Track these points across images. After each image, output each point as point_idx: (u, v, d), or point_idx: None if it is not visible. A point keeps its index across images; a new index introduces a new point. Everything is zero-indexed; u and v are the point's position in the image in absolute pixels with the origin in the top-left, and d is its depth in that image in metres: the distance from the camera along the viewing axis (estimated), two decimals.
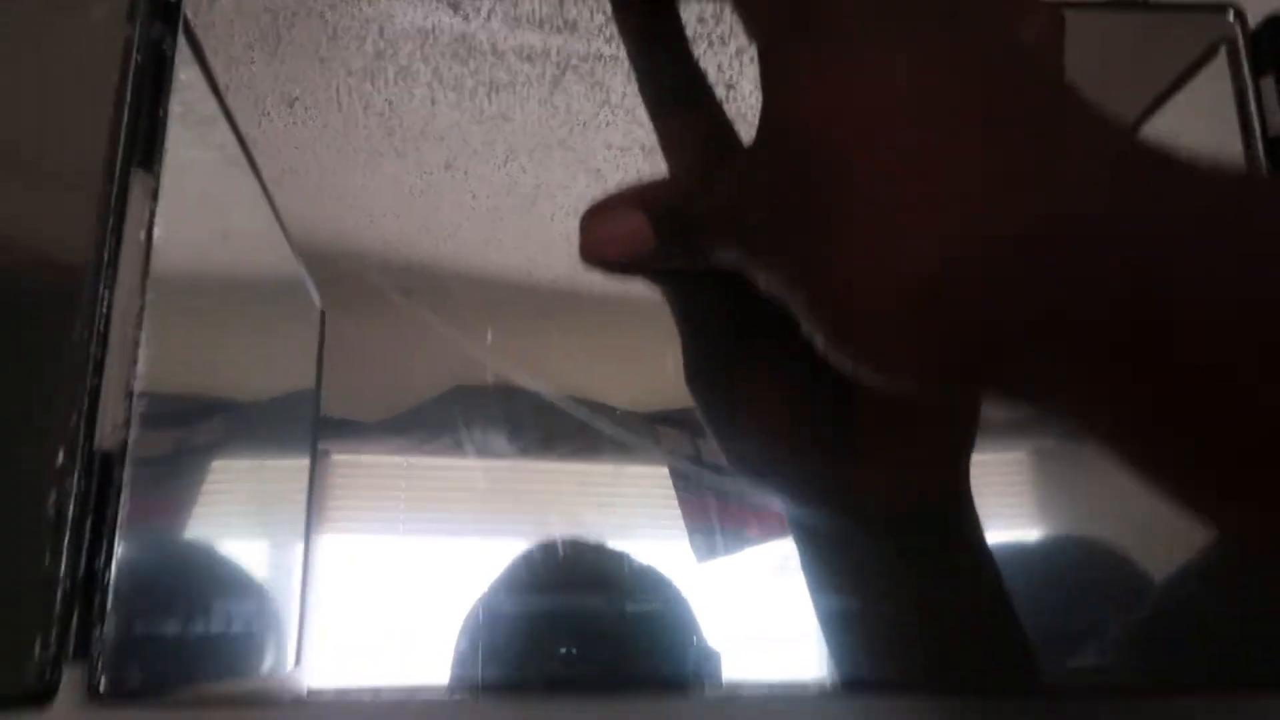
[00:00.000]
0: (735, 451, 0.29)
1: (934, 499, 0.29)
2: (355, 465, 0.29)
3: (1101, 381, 0.15)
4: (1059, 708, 0.29)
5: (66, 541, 0.25)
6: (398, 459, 0.29)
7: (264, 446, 0.29)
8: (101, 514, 0.26)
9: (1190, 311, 0.14)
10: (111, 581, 0.25)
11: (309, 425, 0.28)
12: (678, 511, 0.29)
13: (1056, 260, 0.15)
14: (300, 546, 0.27)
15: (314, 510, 0.27)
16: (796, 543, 0.29)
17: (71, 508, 0.26)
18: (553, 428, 0.29)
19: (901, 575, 0.29)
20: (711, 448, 0.29)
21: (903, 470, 0.29)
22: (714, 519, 0.29)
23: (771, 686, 0.28)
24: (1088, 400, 0.15)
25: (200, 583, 0.27)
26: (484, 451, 0.28)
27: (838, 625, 0.29)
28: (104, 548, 0.26)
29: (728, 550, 0.29)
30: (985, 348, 0.16)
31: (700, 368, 0.25)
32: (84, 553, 0.26)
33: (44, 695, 0.25)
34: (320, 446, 0.28)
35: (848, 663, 0.28)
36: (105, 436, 0.27)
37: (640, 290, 0.22)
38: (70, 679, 0.25)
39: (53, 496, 0.26)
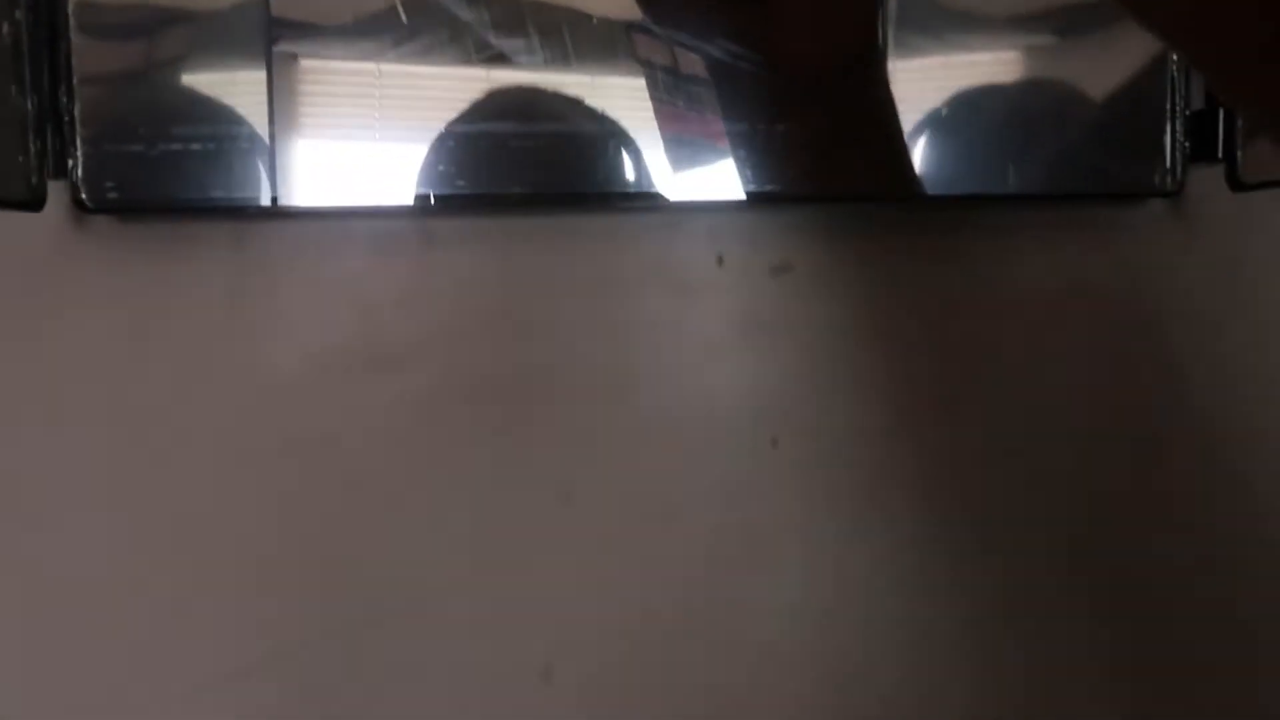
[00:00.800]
0: (666, 17, 0.31)
1: (848, 53, 0.32)
2: (323, 70, 0.29)
3: None
4: (938, 212, 0.33)
5: (27, 67, 0.27)
6: (367, 64, 0.29)
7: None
8: (55, 43, 0.28)
9: None
10: (76, 101, 0.28)
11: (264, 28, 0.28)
12: (654, 122, 0.30)
13: None
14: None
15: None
16: (716, 84, 0.32)
17: (25, 37, 0.27)
18: (527, 36, 0.29)
19: (814, 113, 0.32)
20: (689, 59, 0.30)
21: (820, 25, 0.31)
22: (690, 129, 0.31)
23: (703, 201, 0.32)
24: None
25: (171, 107, 0.29)
26: (455, 60, 0.29)
27: (752, 147, 0.32)
28: (63, 73, 0.28)
29: (702, 161, 0.31)
30: None
31: None
32: (45, 77, 0.27)
33: (34, 203, 0.27)
34: (282, 49, 0.28)
35: (759, 178, 0.32)
36: None
37: None
38: (57, 194, 0.28)
39: (5, 28, 0.27)
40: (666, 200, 0.31)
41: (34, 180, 0.27)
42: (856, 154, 0.33)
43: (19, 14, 0.27)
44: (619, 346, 0.31)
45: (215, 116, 0.29)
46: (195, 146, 0.29)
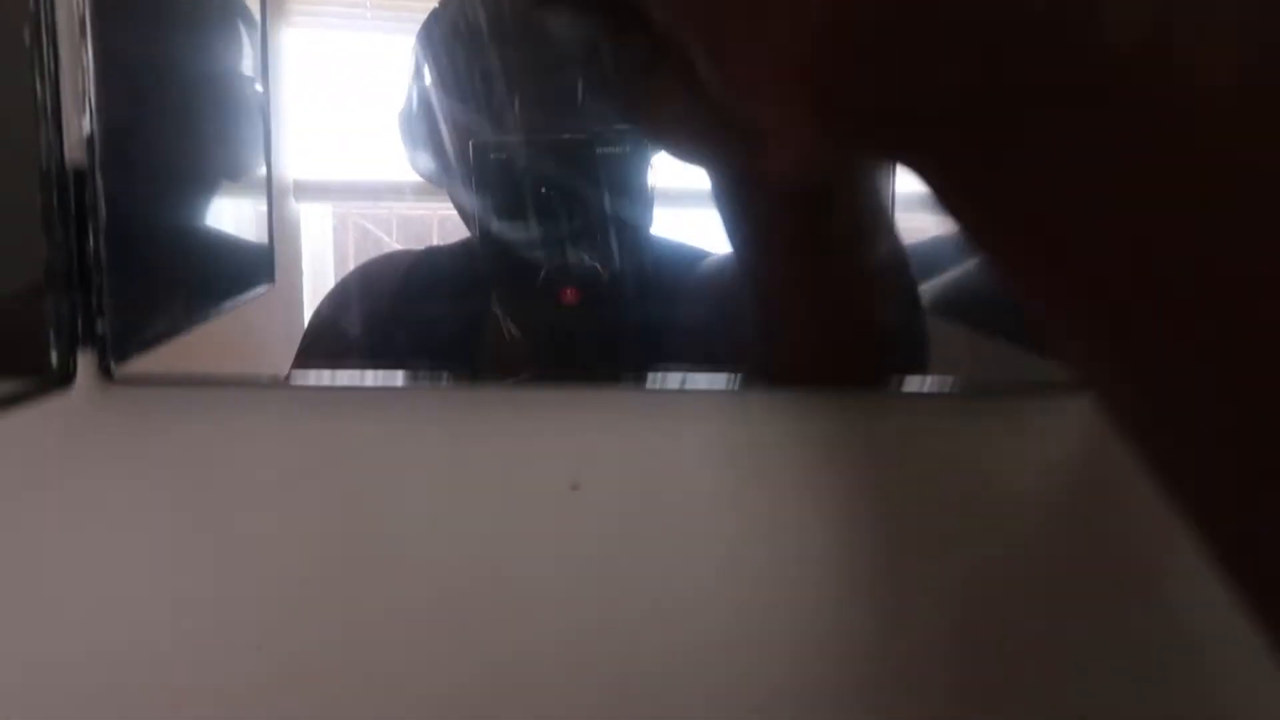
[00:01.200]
0: (659, 141, 0.31)
1: (839, 178, 0.32)
2: None
3: (951, 153, 0.18)
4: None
5: (60, 246, 0.28)
6: None
7: None
8: (83, 222, 0.29)
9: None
10: (105, 280, 0.29)
11: None
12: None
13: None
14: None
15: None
16: (725, 223, 0.32)
17: (57, 216, 0.28)
18: None
19: (812, 253, 0.32)
20: None
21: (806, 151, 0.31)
22: None
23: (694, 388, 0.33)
24: (938, 162, 0.18)
25: (185, 271, 0.30)
26: None
27: (751, 328, 0.33)
28: (93, 250, 0.29)
29: None
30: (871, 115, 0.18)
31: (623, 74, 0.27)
32: (76, 256, 0.29)
33: (64, 380, 0.29)
34: None
35: (756, 362, 0.33)
36: (72, 148, 0.29)
37: None
38: (83, 366, 0.29)
39: (39, 206, 0.28)
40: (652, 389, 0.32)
41: (64, 359, 0.29)
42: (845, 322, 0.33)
43: (53, 194, 0.28)
44: None
45: (226, 275, 0.30)
46: (215, 319, 0.30)
